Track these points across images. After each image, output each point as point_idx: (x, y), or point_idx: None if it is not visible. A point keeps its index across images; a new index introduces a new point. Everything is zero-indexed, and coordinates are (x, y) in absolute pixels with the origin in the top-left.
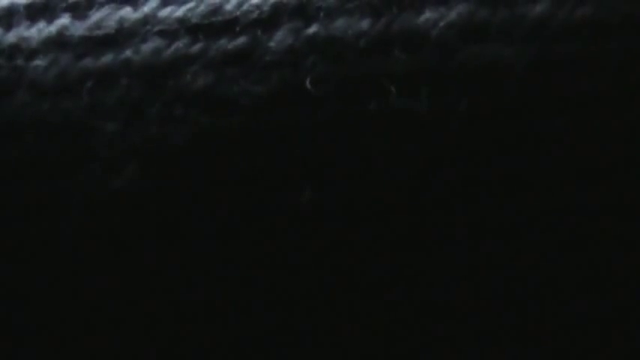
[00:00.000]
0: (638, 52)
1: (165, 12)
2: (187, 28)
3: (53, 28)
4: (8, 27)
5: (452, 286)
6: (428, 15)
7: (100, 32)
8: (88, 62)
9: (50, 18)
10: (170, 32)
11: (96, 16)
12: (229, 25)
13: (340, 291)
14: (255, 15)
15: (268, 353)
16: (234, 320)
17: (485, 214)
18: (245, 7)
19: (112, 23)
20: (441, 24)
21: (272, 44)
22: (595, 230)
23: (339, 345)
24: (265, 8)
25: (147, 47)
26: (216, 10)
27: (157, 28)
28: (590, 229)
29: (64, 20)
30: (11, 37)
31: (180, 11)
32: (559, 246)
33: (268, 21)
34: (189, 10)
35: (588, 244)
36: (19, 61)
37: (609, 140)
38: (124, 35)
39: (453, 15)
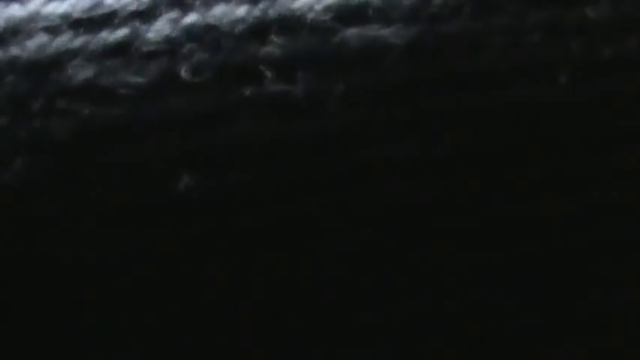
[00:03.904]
0: (526, 28)
1: (49, 8)
2: (70, 23)
3: None
4: None
5: (335, 279)
6: None
7: None
8: None
9: None
10: (53, 28)
11: None
12: (109, 18)
13: (220, 278)
14: (133, 7)
15: (145, 339)
16: (117, 310)
17: (369, 199)
18: None
19: (0, 22)
20: (317, 7)
21: (150, 35)
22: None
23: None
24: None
25: (32, 44)
26: (98, 3)
27: (41, 25)
28: (492, 208)
29: None
30: None
31: (63, 7)
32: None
33: (147, 12)
34: (72, 5)
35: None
36: None
37: (501, 118)
38: (10, 33)
39: None
